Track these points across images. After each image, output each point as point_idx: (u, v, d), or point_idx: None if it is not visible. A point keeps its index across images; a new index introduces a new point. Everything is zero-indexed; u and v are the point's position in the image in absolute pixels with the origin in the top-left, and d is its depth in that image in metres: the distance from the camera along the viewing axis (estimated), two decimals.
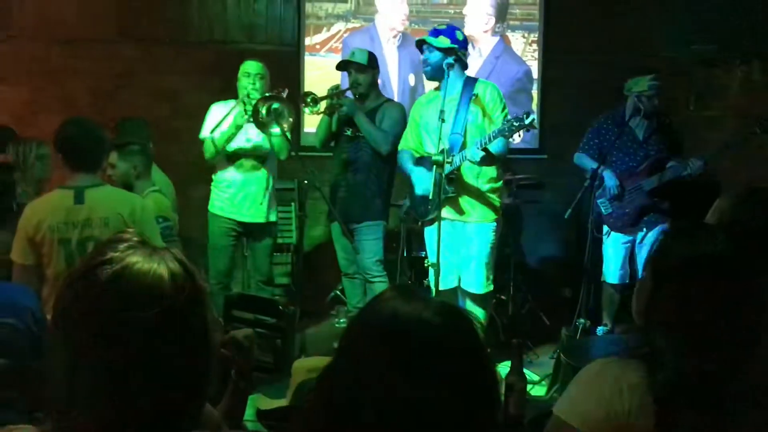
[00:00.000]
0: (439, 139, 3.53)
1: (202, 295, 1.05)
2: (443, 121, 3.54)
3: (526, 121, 3.44)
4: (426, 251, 4.11)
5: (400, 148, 4.13)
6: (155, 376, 0.98)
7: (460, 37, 3.88)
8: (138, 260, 1.00)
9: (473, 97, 3.82)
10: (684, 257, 1.39)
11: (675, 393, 1.32)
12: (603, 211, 4.44)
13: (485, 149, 3.59)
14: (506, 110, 3.88)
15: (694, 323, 1.33)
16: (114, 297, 0.98)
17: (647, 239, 4.41)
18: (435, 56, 3.83)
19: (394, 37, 5.77)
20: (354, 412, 0.95)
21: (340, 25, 5.78)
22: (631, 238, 4.46)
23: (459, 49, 3.85)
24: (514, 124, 3.47)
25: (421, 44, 3.91)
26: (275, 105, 4.02)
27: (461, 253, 3.90)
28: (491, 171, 3.87)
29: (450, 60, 3.76)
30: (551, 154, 5.65)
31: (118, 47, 5.56)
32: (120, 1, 5.57)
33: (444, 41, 3.82)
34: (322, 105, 4.31)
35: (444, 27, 3.94)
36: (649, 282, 1.43)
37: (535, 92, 5.79)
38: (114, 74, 5.56)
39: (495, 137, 3.56)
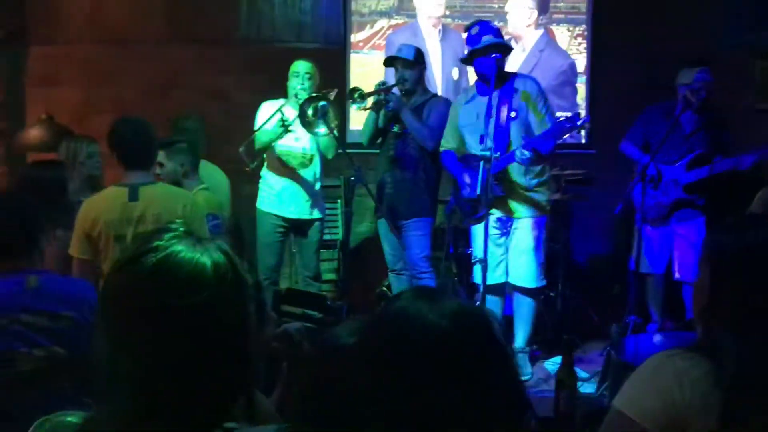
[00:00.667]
0: (488, 134, 3.52)
1: (244, 286, 1.06)
2: (492, 116, 3.52)
3: (578, 123, 3.41)
4: (472, 248, 4.11)
5: (441, 148, 4.13)
6: (194, 364, 0.99)
7: (495, 27, 3.92)
8: (182, 249, 1.02)
9: (516, 93, 3.79)
10: (740, 249, 1.37)
11: (743, 388, 1.30)
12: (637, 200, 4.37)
13: (534, 150, 3.55)
14: (548, 103, 3.86)
15: (760, 314, 1.31)
16: (157, 284, 1.00)
17: (681, 233, 4.32)
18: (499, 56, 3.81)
19: (435, 27, 5.75)
20: (354, 406, 0.95)
21: (383, 22, 5.79)
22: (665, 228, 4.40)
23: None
24: (565, 125, 3.43)
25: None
26: (321, 105, 4.06)
27: (510, 248, 3.89)
28: (537, 166, 3.85)
29: (498, 56, 3.74)
30: (600, 149, 5.56)
31: (168, 48, 5.68)
32: (171, 3, 5.69)
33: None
34: (369, 101, 4.34)
35: (478, 27, 3.93)
36: (707, 280, 1.41)
37: (579, 85, 5.71)
38: (165, 74, 5.68)
39: (545, 138, 3.52)
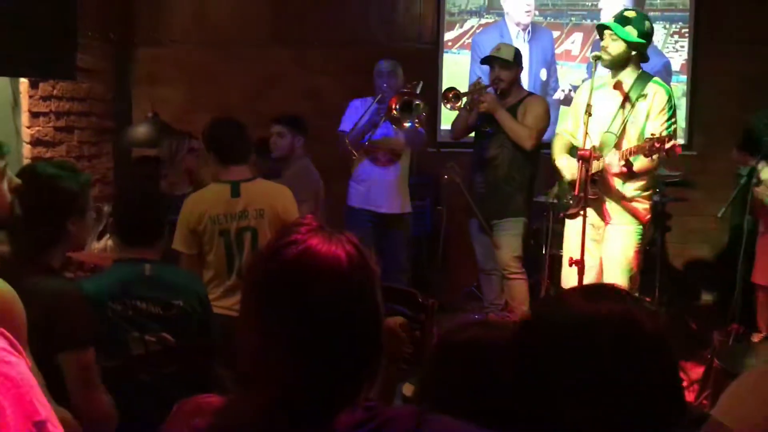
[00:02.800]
0: (585, 134, 3.41)
1: (374, 276, 1.11)
2: (590, 115, 3.41)
3: (666, 146, 3.24)
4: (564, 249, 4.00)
5: (558, 129, 3.95)
6: (330, 350, 1.04)
7: (648, 29, 3.55)
8: (319, 242, 1.07)
9: (644, 98, 3.53)
10: None
11: None
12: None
13: (627, 162, 3.42)
14: (674, 119, 3.56)
15: None
16: (298, 275, 1.05)
17: None
18: (617, 47, 3.52)
19: (524, 31, 5.69)
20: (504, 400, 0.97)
21: (472, 21, 5.78)
22: None
23: (644, 43, 3.54)
24: (655, 145, 3.27)
25: (602, 29, 3.60)
26: (408, 99, 4.11)
27: (603, 256, 3.74)
28: (640, 177, 3.60)
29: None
30: (701, 151, 5.37)
31: (267, 50, 5.86)
32: (272, 6, 5.86)
33: (631, 33, 3.49)
34: (464, 101, 4.35)
35: (634, 15, 3.58)
36: None
37: (674, 84, 5.51)
38: (264, 75, 5.86)
39: (634, 153, 3.37)
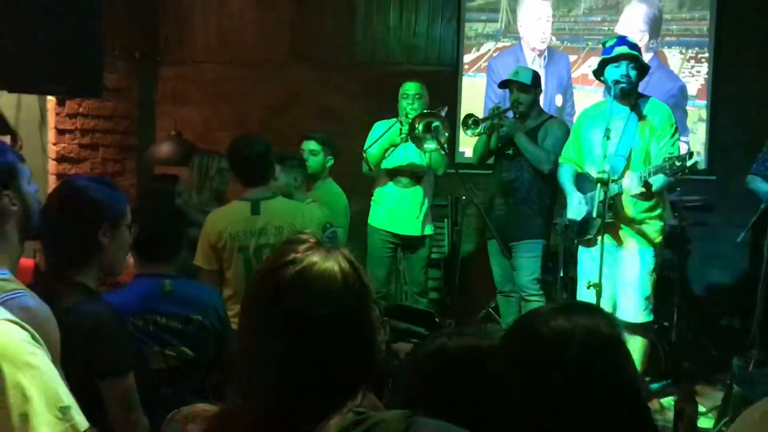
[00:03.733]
0: (604, 156, 3.44)
1: (368, 292, 1.13)
2: (608, 138, 3.45)
3: (688, 163, 3.27)
4: (578, 272, 4.00)
5: (561, 160, 4.04)
6: (325, 363, 1.07)
7: (632, 42, 3.76)
8: (317, 261, 1.10)
9: (643, 118, 3.64)
10: None
11: None
12: None
13: (646, 183, 3.44)
14: (677, 136, 3.68)
15: None
16: (296, 294, 1.08)
17: None
18: (636, 75, 3.67)
19: (540, 55, 5.73)
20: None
21: (489, 45, 5.82)
22: None
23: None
24: (676, 163, 3.30)
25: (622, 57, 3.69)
26: (431, 121, 4.14)
27: (617, 280, 3.74)
28: (649, 198, 3.67)
29: (623, 69, 3.61)
30: (721, 175, 5.35)
31: (289, 69, 5.93)
32: (293, 26, 5.95)
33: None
34: (483, 126, 4.37)
35: (615, 39, 3.77)
36: None
37: (690, 108, 5.52)
38: (285, 93, 5.93)
39: (654, 174, 3.40)
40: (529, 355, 1.13)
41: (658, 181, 3.48)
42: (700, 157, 3.41)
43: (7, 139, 4.53)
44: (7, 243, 1.54)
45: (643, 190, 3.45)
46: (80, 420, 1.32)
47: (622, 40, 3.72)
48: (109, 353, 1.92)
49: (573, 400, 1.07)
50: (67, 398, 1.31)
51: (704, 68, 5.51)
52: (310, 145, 4.32)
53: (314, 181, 4.34)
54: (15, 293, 1.48)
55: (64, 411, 1.30)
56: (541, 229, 4.33)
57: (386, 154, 4.37)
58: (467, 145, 5.50)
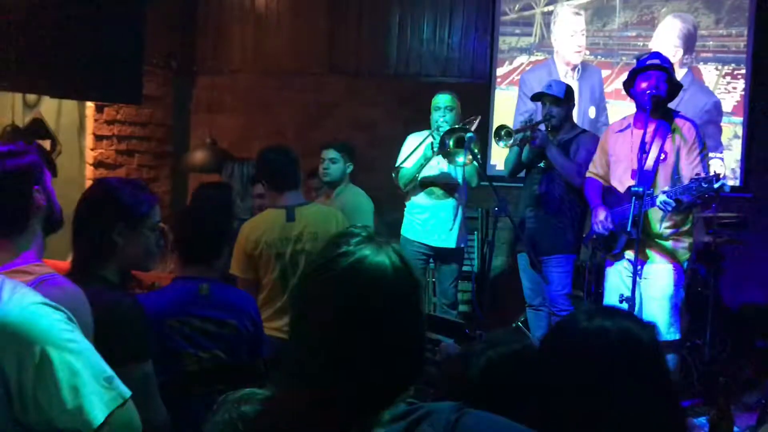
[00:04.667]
0: (640, 171, 3.42)
1: (418, 287, 1.15)
2: (644, 152, 3.43)
3: (715, 186, 3.24)
4: (604, 287, 3.95)
5: (588, 173, 4.01)
6: (374, 356, 1.09)
7: (665, 57, 3.75)
8: (369, 254, 1.12)
9: (671, 134, 3.60)
10: None
11: None
12: None
13: (677, 200, 3.40)
14: (705, 152, 3.63)
15: None
16: (350, 285, 1.10)
17: None
18: (667, 89, 3.63)
19: (573, 69, 5.72)
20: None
21: (522, 59, 5.83)
22: None
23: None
24: (703, 185, 3.26)
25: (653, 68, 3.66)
26: (461, 135, 4.14)
27: (644, 296, 3.67)
28: (677, 214, 3.62)
29: (655, 92, 3.58)
30: (757, 192, 5.28)
31: (323, 80, 5.99)
32: (328, 38, 6.01)
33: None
34: (515, 138, 4.37)
35: (648, 54, 3.76)
36: None
37: (725, 125, 5.47)
38: (319, 105, 5.99)
39: (681, 194, 3.36)
40: (569, 352, 1.14)
41: (686, 197, 3.43)
42: (726, 180, 3.35)
43: (47, 144, 4.65)
44: (35, 235, 1.64)
45: (674, 205, 3.41)
46: (124, 389, 1.40)
47: (655, 54, 3.71)
48: (127, 340, 1.92)
49: (610, 400, 1.08)
50: (109, 369, 1.38)
51: (740, 84, 5.45)
52: (330, 153, 4.38)
53: (333, 189, 4.38)
54: (48, 275, 1.58)
55: (109, 380, 1.38)
56: (571, 243, 4.31)
57: (420, 168, 4.39)
58: (498, 158, 5.51)
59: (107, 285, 2.02)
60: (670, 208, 3.44)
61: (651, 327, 1.15)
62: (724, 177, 3.32)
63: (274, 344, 2.94)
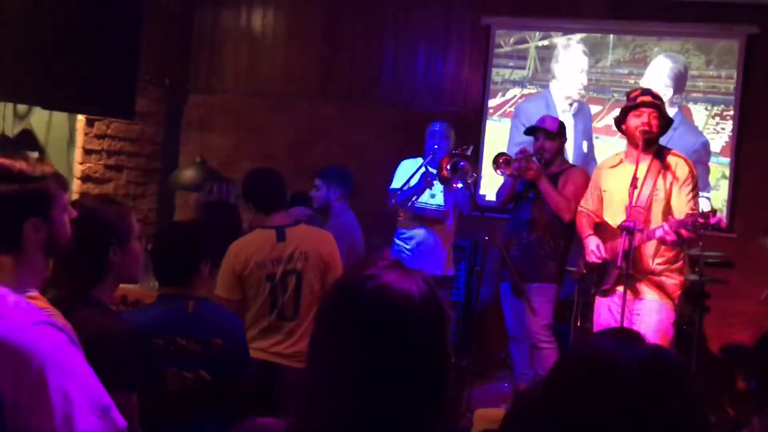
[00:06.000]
0: (632, 204, 3.43)
1: (445, 317, 1.13)
2: (636, 187, 3.45)
3: (712, 221, 3.26)
4: (595, 322, 3.95)
5: (580, 207, 4.01)
6: (399, 386, 1.05)
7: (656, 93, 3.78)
8: (395, 279, 1.10)
9: (665, 170, 3.63)
10: None
11: None
12: None
13: (677, 233, 3.41)
14: (696, 189, 3.66)
15: None
16: (373, 309, 1.08)
17: None
18: (659, 125, 3.66)
19: (570, 105, 5.78)
20: None
21: (515, 91, 5.88)
22: None
23: None
24: (699, 220, 3.29)
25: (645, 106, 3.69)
26: (458, 161, 4.16)
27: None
28: (669, 251, 3.64)
29: (645, 118, 3.60)
30: (742, 233, 5.32)
31: (315, 104, 6.01)
32: (322, 63, 6.04)
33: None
34: (513, 167, 4.40)
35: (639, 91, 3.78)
36: None
37: (713, 165, 5.53)
38: (310, 129, 5.99)
39: (676, 228, 3.38)
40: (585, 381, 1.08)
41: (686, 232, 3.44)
42: (722, 215, 3.36)
43: (35, 155, 4.60)
44: (31, 266, 1.58)
45: (675, 237, 3.42)
46: (120, 420, 1.36)
47: (645, 91, 3.75)
48: (115, 366, 1.85)
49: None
50: (106, 398, 1.32)
51: (729, 125, 5.52)
52: (315, 180, 4.42)
53: (326, 215, 4.37)
54: (44, 311, 1.51)
55: (105, 410, 1.32)
56: (553, 272, 4.30)
57: (416, 194, 4.39)
58: (487, 187, 5.52)
59: (102, 307, 2.01)
60: (669, 239, 3.44)
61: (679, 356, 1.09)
62: (719, 211, 3.33)
63: (258, 365, 2.90)
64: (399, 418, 1.05)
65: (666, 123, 3.70)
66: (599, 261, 3.72)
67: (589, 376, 1.00)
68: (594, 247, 3.77)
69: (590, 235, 3.85)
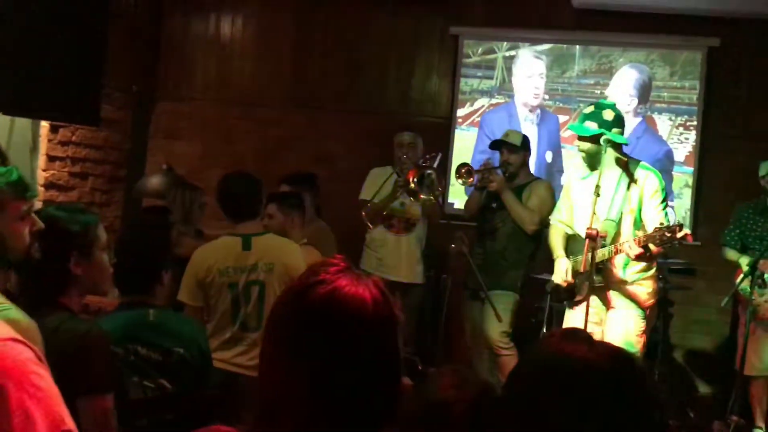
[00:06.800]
0: (593, 213, 3.47)
1: (397, 321, 1.13)
2: (598, 195, 3.48)
3: (678, 235, 3.28)
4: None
5: (552, 219, 4.02)
6: (353, 391, 1.06)
7: (608, 117, 3.65)
8: (347, 284, 1.09)
9: (633, 183, 3.63)
10: None
11: None
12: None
13: (645, 247, 3.41)
14: (666, 202, 3.68)
15: None
16: (324, 314, 1.07)
17: None
18: (583, 144, 3.67)
19: (531, 112, 5.84)
20: None
21: (483, 101, 5.93)
22: None
23: (610, 130, 3.64)
24: (666, 234, 3.31)
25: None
26: (424, 173, 4.19)
27: (604, 339, 3.70)
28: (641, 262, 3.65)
29: (608, 135, 3.64)
30: (705, 242, 5.40)
31: (285, 113, 6.00)
32: (292, 71, 6.04)
33: (589, 127, 3.62)
34: (475, 178, 4.43)
35: (592, 109, 3.73)
36: None
37: (676, 174, 5.62)
38: (280, 137, 5.98)
39: (643, 243, 3.39)
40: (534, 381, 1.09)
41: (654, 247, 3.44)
42: (689, 230, 3.39)
43: None
44: None
45: (640, 250, 3.42)
46: None
47: (593, 115, 3.68)
48: (94, 369, 1.89)
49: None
50: (69, 421, 1.28)
51: (692, 135, 5.62)
52: (283, 187, 4.36)
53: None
54: (1, 306, 1.52)
55: None
56: (513, 282, 4.32)
57: (386, 204, 4.40)
58: (457, 196, 5.55)
59: (72, 314, 2.00)
60: (633, 253, 3.45)
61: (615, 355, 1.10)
62: (682, 219, 3.36)
63: (220, 376, 2.88)
64: (352, 422, 1.06)
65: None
66: (565, 285, 3.73)
67: (540, 376, 1.01)
68: (563, 271, 3.76)
69: (560, 257, 3.83)
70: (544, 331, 4.66)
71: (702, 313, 5.19)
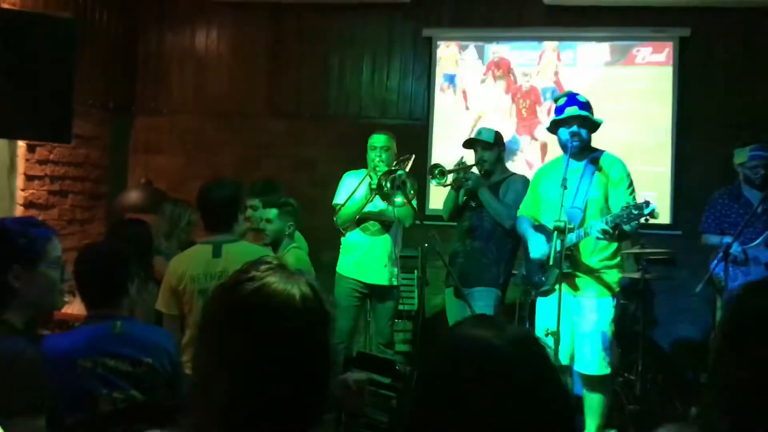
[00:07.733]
0: (561, 205, 3.50)
1: (327, 319, 1.15)
2: (565, 188, 3.51)
3: (646, 212, 3.31)
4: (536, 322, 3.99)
5: (519, 213, 4.08)
6: (277, 387, 1.07)
7: (583, 100, 3.77)
8: (275, 280, 1.12)
9: (598, 172, 3.71)
10: (753, 314, 1.25)
11: None
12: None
13: (615, 226, 3.45)
14: (632, 188, 3.73)
15: (750, 383, 1.20)
16: (251, 310, 1.10)
17: None
18: (585, 131, 3.73)
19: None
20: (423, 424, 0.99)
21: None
22: None
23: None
24: (633, 212, 3.34)
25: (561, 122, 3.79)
26: (399, 175, 4.19)
27: (574, 330, 3.72)
28: (607, 248, 3.72)
29: (574, 129, 3.70)
30: (686, 230, 5.43)
31: (263, 122, 6.02)
32: (268, 80, 6.06)
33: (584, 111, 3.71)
34: (449, 178, 4.43)
35: (565, 98, 3.82)
36: (716, 342, 1.31)
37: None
38: (259, 145, 6.00)
39: (612, 222, 3.43)
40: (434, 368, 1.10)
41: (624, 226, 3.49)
42: (655, 206, 3.42)
43: None
44: None
45: (608, 229, 3.44)
46: None
47: (572, 100, 3.78)
48: (23, 391, 1.85)
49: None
50: None
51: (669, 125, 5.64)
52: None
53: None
54: None
55: None
56: (495, 278, 4.33)
57: (360, 208, 4.41)
58: (436, 196, 5.57)
59: (11, 331, 1.95)
60: (607, 237, 3.49)
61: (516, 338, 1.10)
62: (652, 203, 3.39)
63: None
64: (280, 416, 1.07)
65: (595, 125, 3.78)
66: (544, 259, 3.75)
67: (451, 363, 1.03)
68: (538, 242, 3.79)
69: (532, 234, 3.86)
70: (527, 326, 4.66)
71: (685, 302, 5.20)
